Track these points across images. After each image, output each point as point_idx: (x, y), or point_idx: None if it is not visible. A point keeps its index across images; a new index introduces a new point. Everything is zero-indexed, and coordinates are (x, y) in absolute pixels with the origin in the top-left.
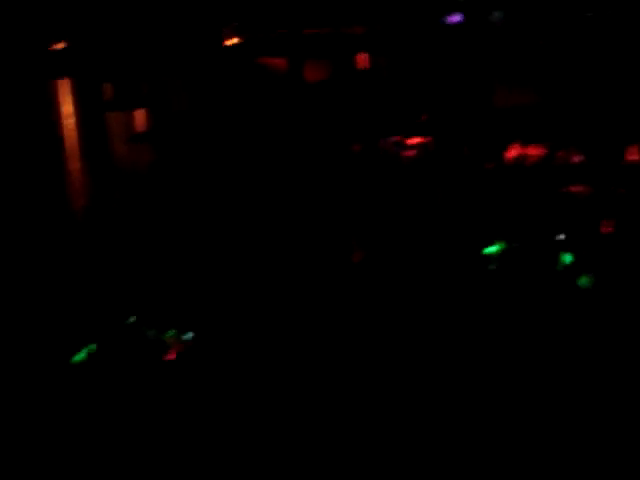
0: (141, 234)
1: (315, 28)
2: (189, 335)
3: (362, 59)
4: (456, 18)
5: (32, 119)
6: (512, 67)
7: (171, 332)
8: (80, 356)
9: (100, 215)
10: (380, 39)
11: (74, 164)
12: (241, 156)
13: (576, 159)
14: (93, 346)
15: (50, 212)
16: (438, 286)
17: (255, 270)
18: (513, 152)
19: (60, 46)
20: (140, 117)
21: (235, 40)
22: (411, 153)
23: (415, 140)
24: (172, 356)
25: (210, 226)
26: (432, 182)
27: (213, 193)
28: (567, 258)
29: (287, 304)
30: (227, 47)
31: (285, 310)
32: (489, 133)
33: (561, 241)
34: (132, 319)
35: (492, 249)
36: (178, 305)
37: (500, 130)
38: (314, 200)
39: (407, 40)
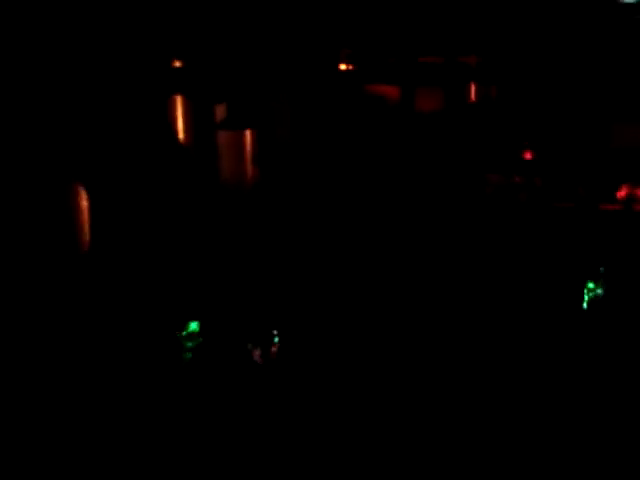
0: (238, 247)
1: (429, 56)
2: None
3: (473, 90)
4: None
5: (152, 132)
6: (630, 105)
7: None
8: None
9: (205, 228)
10: (492, 69)
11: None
12: (343, 183)
13: None
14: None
15: (157, 222)
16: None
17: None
18: (623, 192)
19: (178, 64)
20: (250, 137)
21: (346, 66)
22: (516, 189)
23: (518, 178)
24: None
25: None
26: (541, 221)
27: (311, 223)
28: None
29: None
30: (337, 73)
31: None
32: (605, 173)
33: None
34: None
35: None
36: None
37: (615, 170)
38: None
39: (519, 72)
